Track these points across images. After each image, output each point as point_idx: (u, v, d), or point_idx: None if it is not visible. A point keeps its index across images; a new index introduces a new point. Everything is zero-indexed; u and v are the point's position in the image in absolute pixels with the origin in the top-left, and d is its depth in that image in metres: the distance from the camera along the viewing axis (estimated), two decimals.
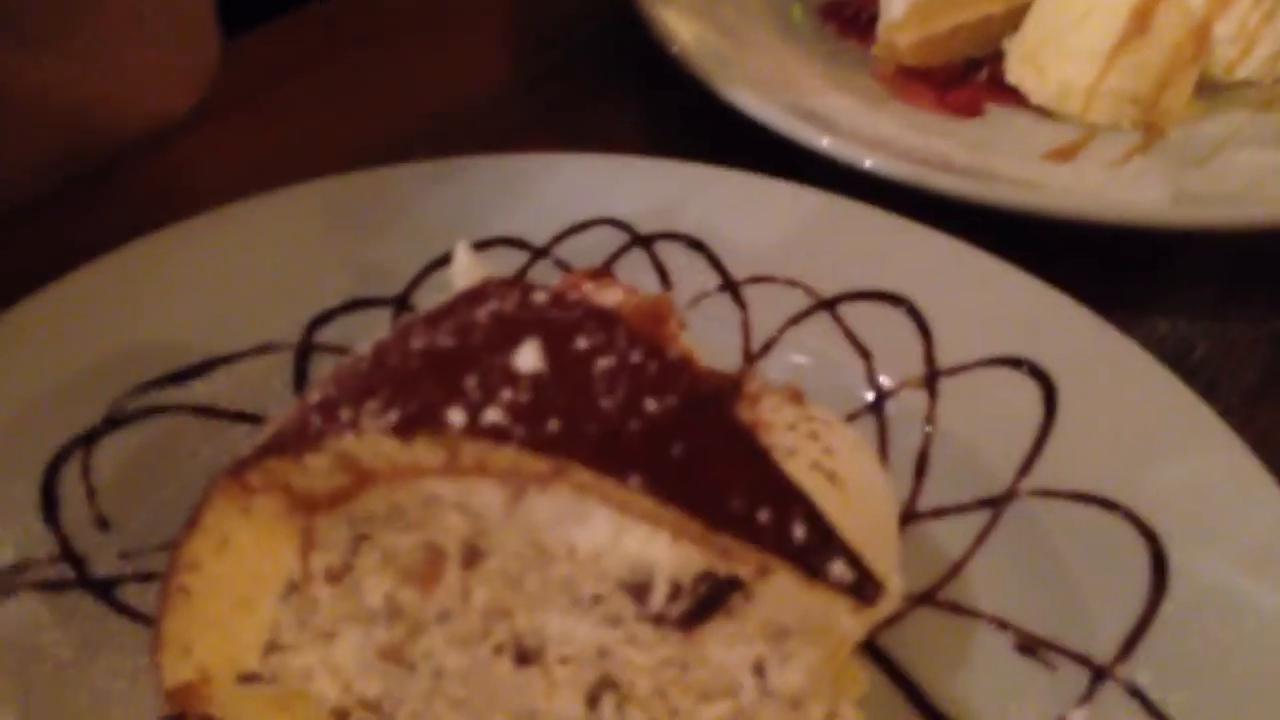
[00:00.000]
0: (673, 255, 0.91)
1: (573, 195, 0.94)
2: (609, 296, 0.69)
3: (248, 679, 0.64)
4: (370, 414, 0.54)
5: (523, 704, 0.60)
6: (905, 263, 0.90)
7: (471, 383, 0.54)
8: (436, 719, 0.62)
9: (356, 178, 0.94)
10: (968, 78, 1.23)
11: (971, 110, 1.19)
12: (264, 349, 0.84)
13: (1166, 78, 1.12)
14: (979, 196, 0.98)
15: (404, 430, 0.53)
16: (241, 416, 0.80)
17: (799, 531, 0.52)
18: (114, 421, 0.78)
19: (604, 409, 0.53)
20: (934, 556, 0.76)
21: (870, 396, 0.84)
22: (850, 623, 0.53)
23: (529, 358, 0.55)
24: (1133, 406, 0.79)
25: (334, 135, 1.12)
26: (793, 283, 0.90)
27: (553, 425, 0.53)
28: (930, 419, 0.82)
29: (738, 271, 0.90)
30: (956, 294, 0.87)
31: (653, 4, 1.21)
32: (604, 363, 0.55)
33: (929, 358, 0.85)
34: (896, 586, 0.63)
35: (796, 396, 0.70)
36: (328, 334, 0.85)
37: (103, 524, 0.73)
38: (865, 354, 0.86)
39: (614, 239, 0.92)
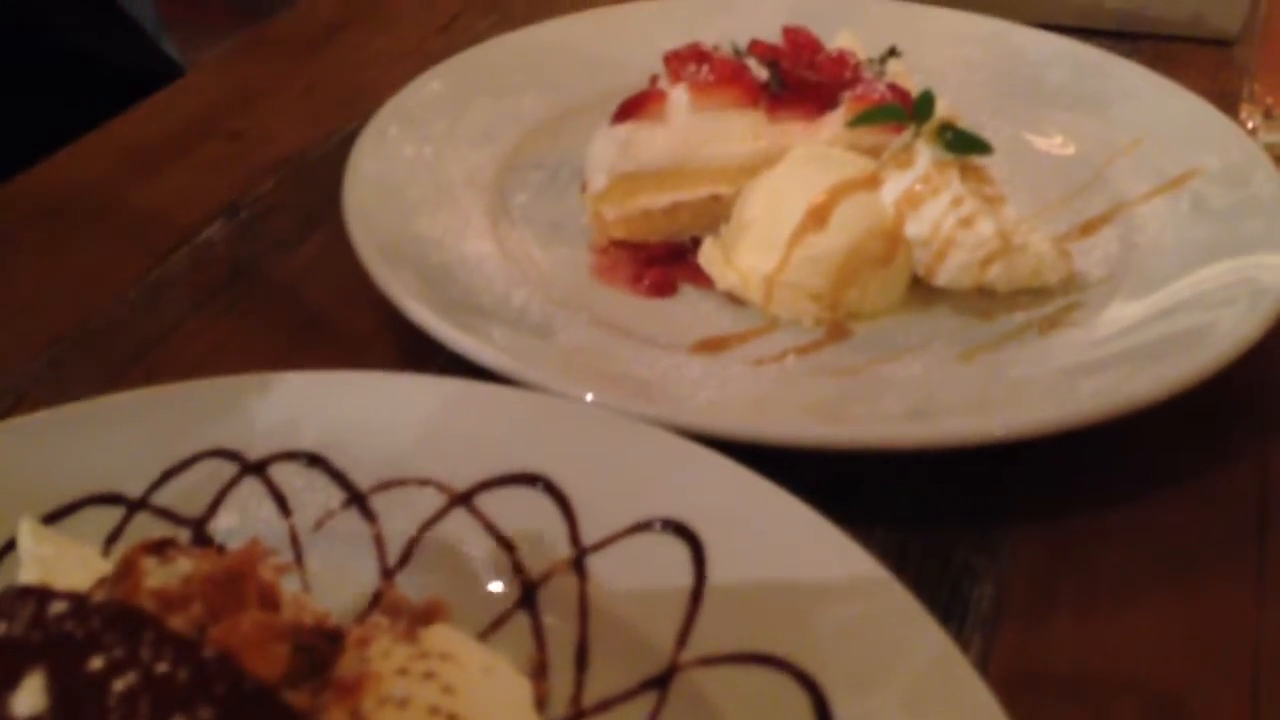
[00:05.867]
0: (290, 477, 0.84)
1: (174, 430, 0.85)
2: (177, 569, 0.61)
3: None
4: None
5: None
6: (540, 438, 0.86)
7: None
8: None
9: None
10: (687, 257, 1.15)
11: (664, 290, 1.12)
12: None
13: (849, 276, 1.06)
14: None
15: None
16: None
17: None
18: None
19: None
20: None
21: (521, 591, 0.78)
22: None
23: (29, 698, 0.46)
24: (785, 554, 0.77)
25: None
26: (424, 482, 0.84)
27: None
28: (583, 603, 0.77)
29: (364, 481, 0.84)
30: (594, 461, 0.84)
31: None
32: (122, 683, 0.47)
33: (574, 536, 0.80)
34: None
35: (433, 613, 0.63)
36: None
37: None
38: (509, 546, 0.81)
39: (225, 470, 0.84)
